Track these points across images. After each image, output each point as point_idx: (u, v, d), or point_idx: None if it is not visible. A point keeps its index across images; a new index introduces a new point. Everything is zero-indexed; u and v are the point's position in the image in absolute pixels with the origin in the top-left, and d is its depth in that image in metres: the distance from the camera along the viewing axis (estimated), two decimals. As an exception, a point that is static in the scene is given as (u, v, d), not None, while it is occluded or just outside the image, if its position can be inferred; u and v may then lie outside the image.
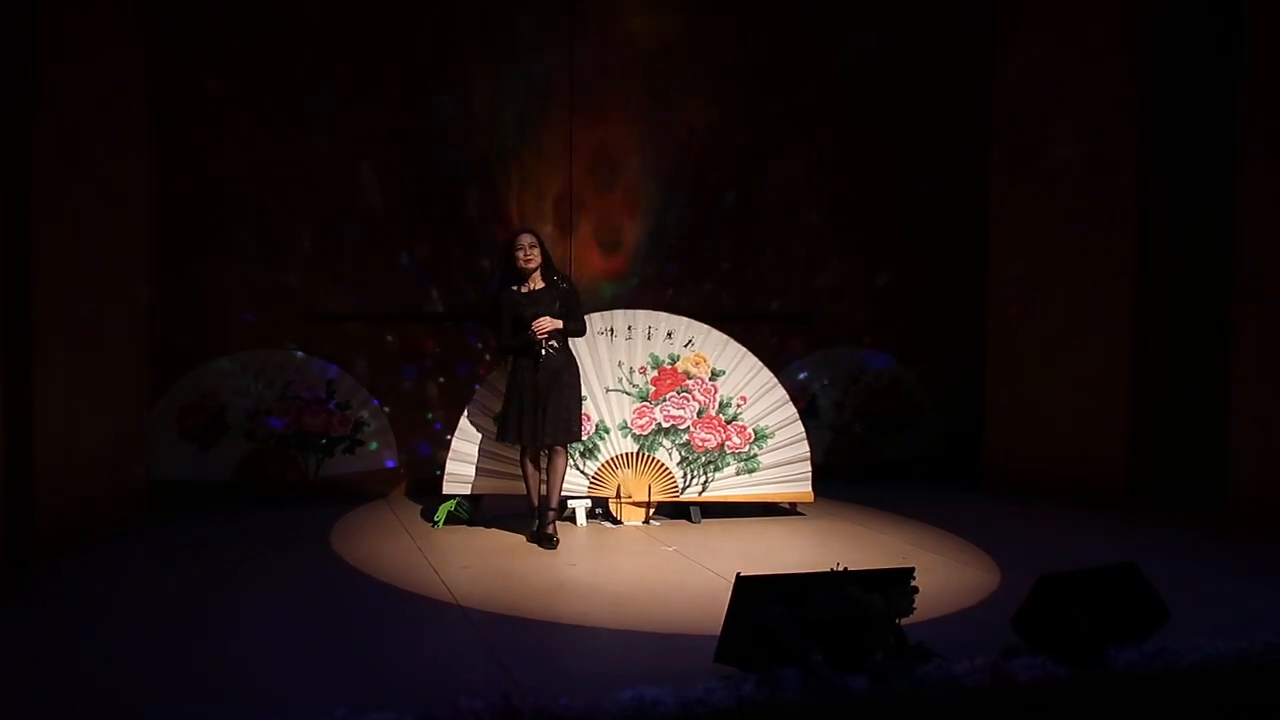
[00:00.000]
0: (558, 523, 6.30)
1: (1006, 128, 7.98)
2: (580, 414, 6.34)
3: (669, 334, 6.93)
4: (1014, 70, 7.93)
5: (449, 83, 7.84)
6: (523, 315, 6.13)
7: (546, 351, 6.13)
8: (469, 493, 6.74)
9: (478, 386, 6.90)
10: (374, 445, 7.77)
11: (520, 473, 6.39)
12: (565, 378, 6.18)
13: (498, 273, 6.38)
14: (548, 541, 6.13)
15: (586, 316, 6.43)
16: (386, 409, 7.80)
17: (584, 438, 6.55)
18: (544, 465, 6.33)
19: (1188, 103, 7.18)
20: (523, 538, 6.36)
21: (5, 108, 5.25)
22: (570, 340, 6.29)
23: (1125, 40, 7.23)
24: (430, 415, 7.88)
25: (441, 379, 7.90)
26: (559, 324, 6.14)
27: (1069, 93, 7.54)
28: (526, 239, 6.20)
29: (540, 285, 6.21)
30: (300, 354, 7.67)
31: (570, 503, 6.72)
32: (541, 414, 6.10)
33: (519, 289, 6.21)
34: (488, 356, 7.82)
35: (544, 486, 6.32)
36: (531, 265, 6.17)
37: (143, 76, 6.69)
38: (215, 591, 5.23)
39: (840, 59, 8.44)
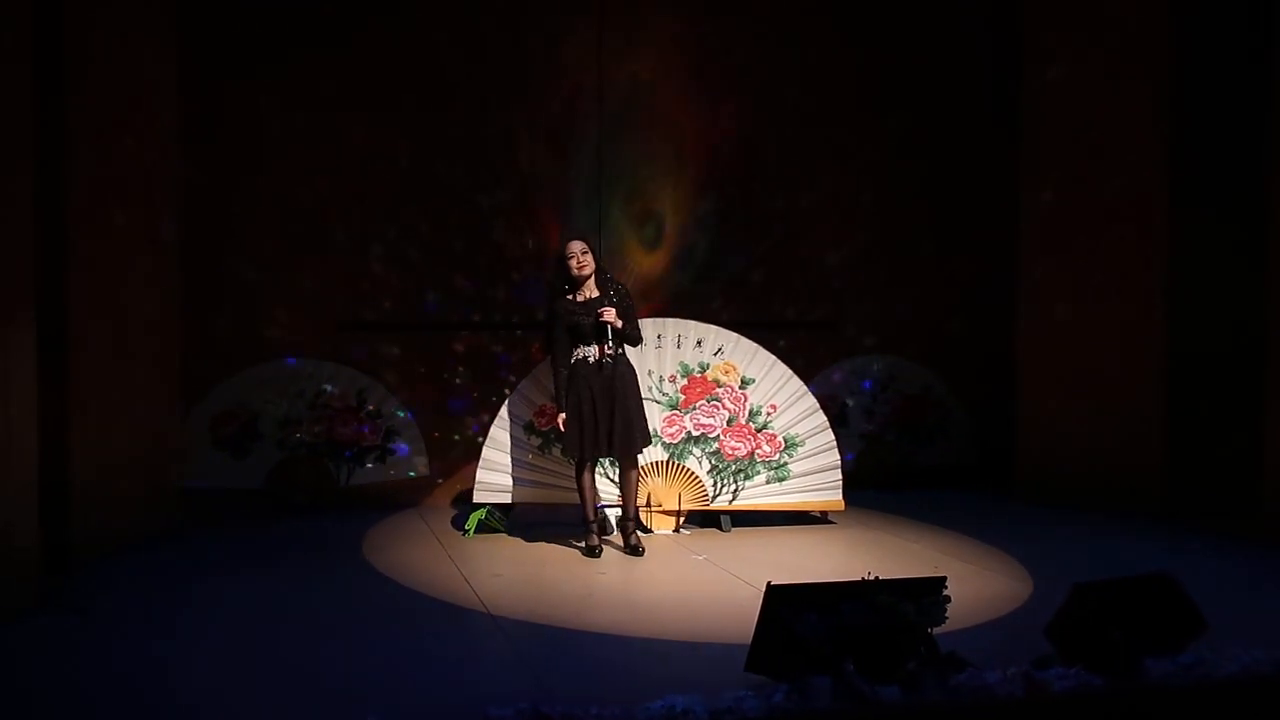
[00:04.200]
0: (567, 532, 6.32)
1: (1036, 138, 7.93)
2: (645, 420, 6.32)
3: (698, 342, 6.93)
4: (1043, 81, 7.87)
5: (482, 97, 7.86)
6: (578, 323, 6.11)
7: (605, 361, 6.10)
8: (500, 501, 6.76)
9: (509, 396, 6.90)
10: (405, 454, 7.80)
11: (574, 485, 6.37)
12: (626, 386, 6.15)
13: (550, 284, 6.39)
14: (635, 551, 6.17)
15: None
16: (417, 418, 7.82)
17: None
18: (605, 478, 6.40)
19: (1219, 110, 7.11)
20: (554, 546, 6.37)
21: (44, 121, 5.30)
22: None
23: (1154, 50, 7.19)
24: (461, 424, 7.90)
25: (472, 388, 7.92)
26: (617, 322, 6.08)
27: (1099, 101, 7.50)
28: (577, 245, 6.17)
29: (595, 294, 6.19)
30: (331, 363, 7.71)
31: (601, 510, 6.72)
32: (608, 426, 6.09)
33: (573, 297, 6.20)
34: (529, 363, 7.83)
35: (597, 495, 6.37)
36: (585, 272, 6.15)
37: (175, 83, 6.75)
38: (247, 599, 5.27)
39: (870, 72, 8.43)
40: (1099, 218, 7.51)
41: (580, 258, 6.13)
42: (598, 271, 6.22)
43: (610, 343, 6.09)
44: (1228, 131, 7.08)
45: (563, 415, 6.14)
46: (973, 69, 8.54)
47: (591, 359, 6.11)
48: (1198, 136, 7.11)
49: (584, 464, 6.23)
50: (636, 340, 6.28)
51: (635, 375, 6.28)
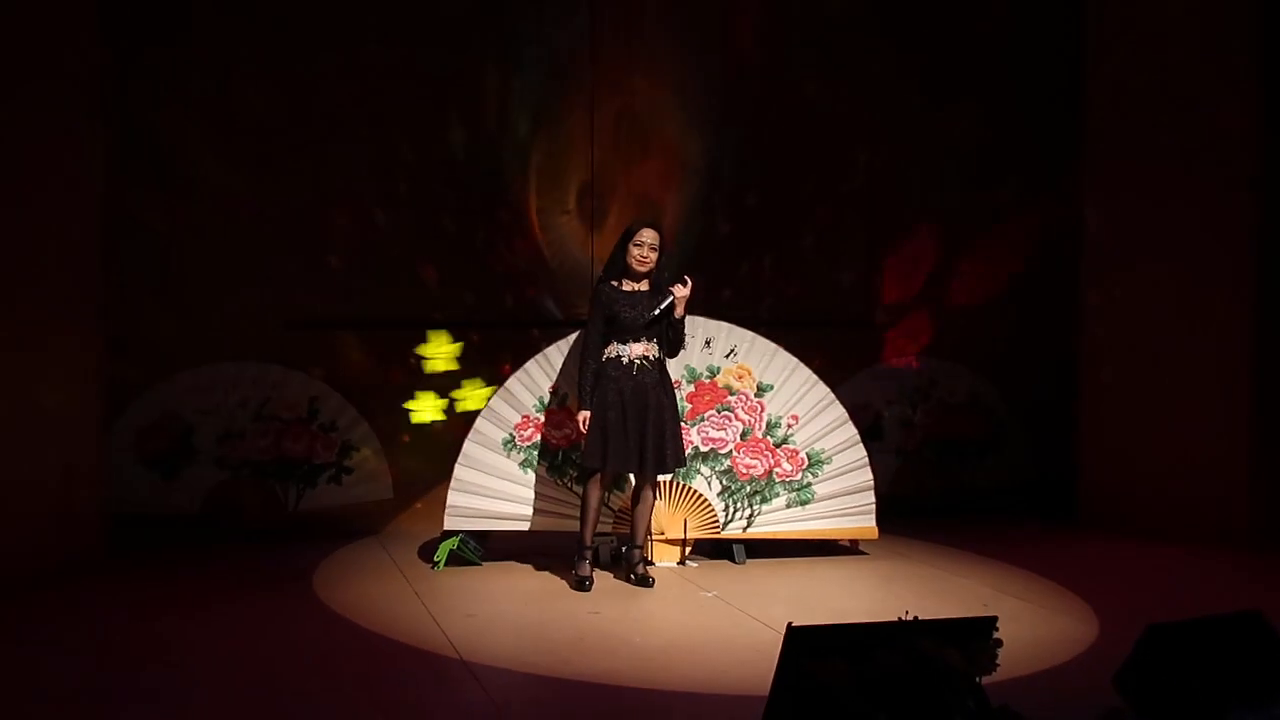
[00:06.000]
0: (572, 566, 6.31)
1: (1104, 124, 7.95)
2: (681, 439, 6.35)
3: (707, 342, 6.92)
4: (1114, 60, 7.90)
5: (454, 58, 7.86)
6: (618, 315, 6.17)
7: (641, 363, 6.16)
8: (475, 528, 6.74)
9: (485, 406, 6.89)
10: (364, 473, 7.79)
11: (560, 509, 6.41)
12: (662, 398, 6.21)
13: (606, 266, 6.45)
14: (644, 582, 6.22)
15: None
16: (379, 431, 7.81)
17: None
18: (609, 496, 6.47)
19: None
20: (538, 580, 6.38)
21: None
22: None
23: (1238, 36, 7.23)
24: (430, 438, 7.88)
25: (445, 397, 7.90)
26: (680, 309, 6.14)
27: (1174, 91, 7.52)
28: (649, 235, 6.22)
29: (645, 287, 6.25)
30: (279, 367, 7.70)
31: (609, 540, 6.71)
32: (637, 437, 6.13)
33: (618, 284, 6.25)
34: (507, 368, 7.81)
35: (596, 519, 6.32)
36: (645, 269, 6.23)
37: (99, 67, 6.75)
38: (179, 643, 5.24)
39: (915, 46, 8.45)
40: (1175, 213, 7.52)
41: (647, 252, 6.20)
42: (656, 269, 6.27)
43: (654, 342, 6.17)
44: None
45: (583, 414, 6.17)
46: (1036, 43, 8.55)
47: (625, 359, 6.17)
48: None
49: (599, 477, 6.23)
50: (679, 348, 6.34)
51: (672, 386, 6.35)
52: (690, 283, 6.18)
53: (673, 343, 6.27)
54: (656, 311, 6.15)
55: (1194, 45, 7.44)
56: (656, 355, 6.23)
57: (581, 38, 7.99)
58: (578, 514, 6.35)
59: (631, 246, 6.21)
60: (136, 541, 7.10)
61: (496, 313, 7.98)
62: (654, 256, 6.22)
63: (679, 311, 6.18)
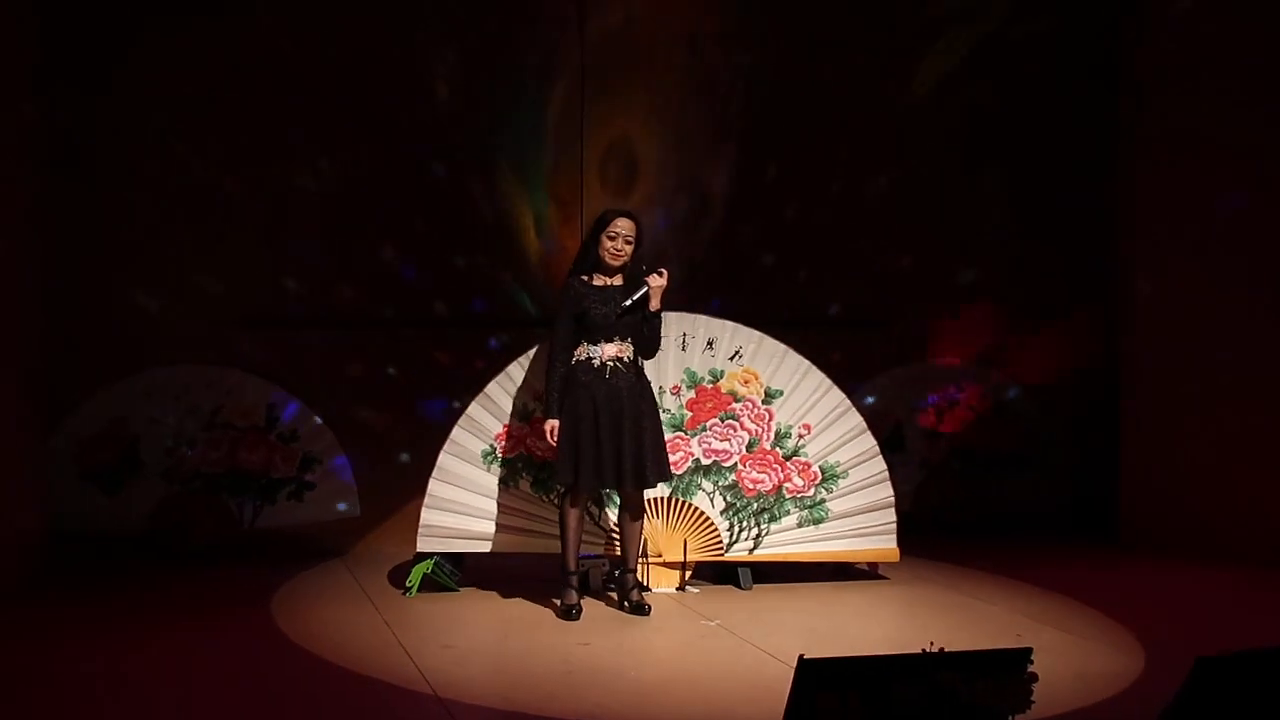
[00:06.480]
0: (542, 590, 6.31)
1: (1152, 94, 7.97)
2: (664, 449, 6.34)
3: (709, 343, 6.91)
4: (1158, 41, 7.96)
5: (434, 49, 7.91)
6: (587, 312, 6.15)
7: (615, 365, 6.15)
8: (452, 550, 6.73)
9: (463, 414, 6.88)
10: (328, 488, 7.78)
11: (546, 529, 6.43)
12: (640, 403, 6.19)
13: (576, 259, 6.44)
14: (639, 609, 6.22)
15: None
16: (344, 441, 7.81)
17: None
18: (601, 515, 6.52)
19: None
20: (521, 607, 6.38)
21: None
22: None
23: None
24: (401, 449, 7.88)
25: (416, 403, 7.91)
26: (656, 302, 6.14)
27: (1230, 55, 7.54)
28: (625, 225, 6.21)
29: (618, 282, 6.25)
30: (235, 371, 7.69)
31: (583, 563, 6.70)
32: (614, 448, 6.10)
33: (588, 279, 6.25)
34: (490, 371, 7.80)
35: (577, 541, 6.31)
36: (619, 262, 6.22)
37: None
38: (123, 676, 5.22)
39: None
40: (1224, 203, 7.54)
41: (622, 245, 6.19)
42: (632, 263, 6.26)
43: (628, 342, 6.14)
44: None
45: (550, 423, 6.16)
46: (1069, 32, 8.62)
47: (596, 361, 6.16)
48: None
49: (575, 496, 6.22)
50: (655, 347, 6.31)
51: (651, 391, 6.33)
52: (666, 273, 6.18)
53: (648, 341, 6.25)
54: (628, 302, 6.13)
55: (1244, 32, 7.48)
56: (631, 357, 6.21)
57: (576, 35, 8.03)
58: (563, 535, 6.37)
59: (605, 238, 6.20)
60: (76, 563, 7.12)
61: (480, 312, 7.98)
62: (629, 249, 6.21)
63: (654, 304, 6.17)
